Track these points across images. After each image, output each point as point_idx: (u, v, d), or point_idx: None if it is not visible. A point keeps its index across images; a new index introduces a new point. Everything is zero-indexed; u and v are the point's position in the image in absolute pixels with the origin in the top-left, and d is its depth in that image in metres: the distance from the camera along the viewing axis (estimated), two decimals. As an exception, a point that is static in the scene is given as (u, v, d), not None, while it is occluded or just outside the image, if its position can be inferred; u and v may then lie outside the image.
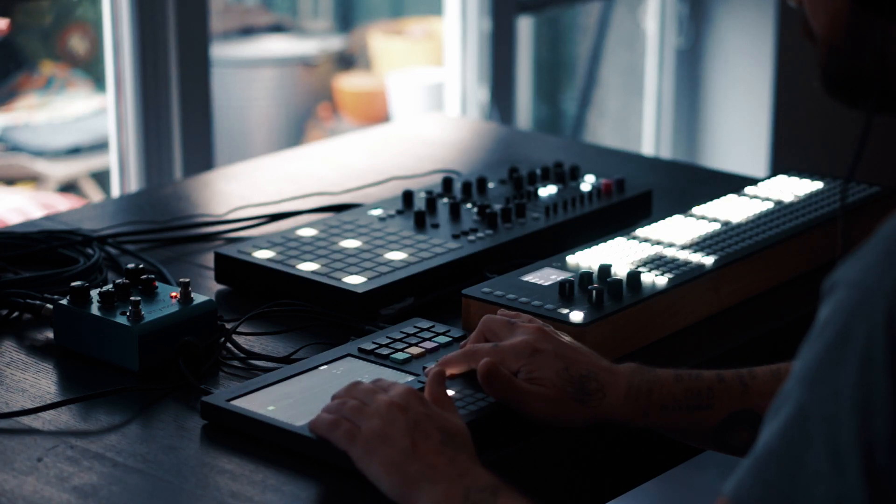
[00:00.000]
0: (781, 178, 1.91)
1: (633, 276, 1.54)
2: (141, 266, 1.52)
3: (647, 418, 1.34)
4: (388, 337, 1.46)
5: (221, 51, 4.32)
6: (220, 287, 1.68)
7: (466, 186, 1.85)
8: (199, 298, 1.49)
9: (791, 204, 1.81)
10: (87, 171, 3.68)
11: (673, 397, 1.34)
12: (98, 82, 3.67)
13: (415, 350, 1.43)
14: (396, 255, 1.67)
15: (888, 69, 1.05)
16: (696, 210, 1.78)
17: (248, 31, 4.52)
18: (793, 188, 1.86)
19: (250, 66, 4.41)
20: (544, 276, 1.55)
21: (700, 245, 1.66)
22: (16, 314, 1.58)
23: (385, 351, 1.43)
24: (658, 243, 1.67)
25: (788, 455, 0.94)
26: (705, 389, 1.35)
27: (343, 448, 1.23)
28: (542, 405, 1.32)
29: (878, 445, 0.91)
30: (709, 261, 1.62)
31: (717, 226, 1.73)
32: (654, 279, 1.56)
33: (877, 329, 0.91)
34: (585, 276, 1.53)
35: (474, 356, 1.35)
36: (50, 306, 1.53)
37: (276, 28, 4.62)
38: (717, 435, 1.35)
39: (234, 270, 1.67)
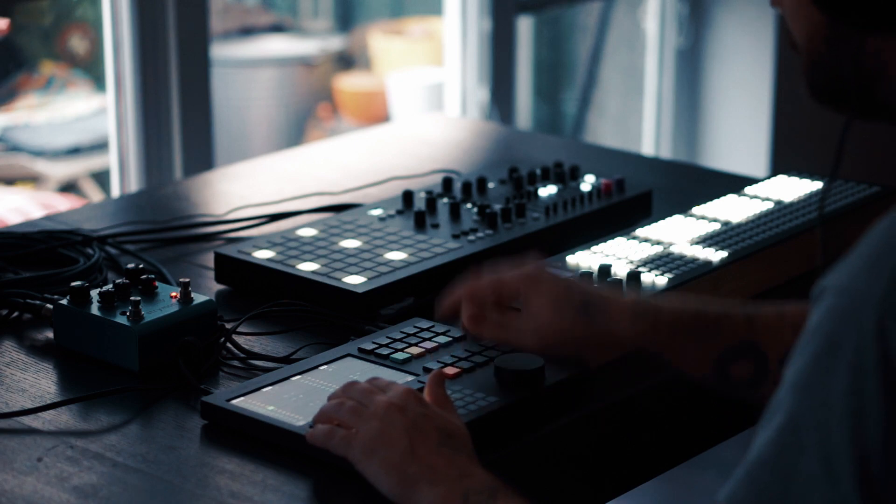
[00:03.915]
0: (781, 178, 1.91)
1: (633, 276, 1.54)
2: (141, 266, 1.52)
3: (656, 336, 1.33)
4: (388, 337, 1.46)
5: (221, 51, 4.32)
6: (220, 287, 1.68)
7: (466, 186, 1.85)
8: (199, 298, 1.49)
9: (791, 204, 1.81)
10: (87, 171, 3.68)
11: (682, 319, 1.34)
12: (98, 82, 3.67)
13: (415, 350, 1.43)
14: (396, 255, 1.67)
15: (866, 78, 1.06)
16: (696, 210, 1.78)
17: (248, 31, 4.52)
18: (793, 188, 1.86)
19: (250, 66, 4.41)
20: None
21: (700, 245, 1.66)
22: (16, 314, 1.58)
23: (385, 351, 1.43)
24: (658, 243, 1.67)
25: (781, 463, 0.94)
26: (712, 318, 1.35)
27: (342, 454, 1.23)
28: (545, 327, 1.34)
29: (871, 453, 0.91)
30: (709, 261, 1.62)
31: (717, 226, 1.73)
32: (654, 279, 1.56)
33: (867, 336, 0.91)
34: (585, 276, 1.53)
35: (476, 288, 1.38)
36: (50, 306, 1.53)
37: (276, 28, 4.62)
38: (719, 365, 1.34)
39: (234, 270, 1.67)
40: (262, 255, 1.66)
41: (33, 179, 3.64)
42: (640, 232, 1.70)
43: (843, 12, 1.03)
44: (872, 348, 0.91)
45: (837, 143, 1.11)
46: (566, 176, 1.90)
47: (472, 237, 1.72)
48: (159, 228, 1.84)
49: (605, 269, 1.55)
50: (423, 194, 1.84)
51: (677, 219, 1.74)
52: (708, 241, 1.68)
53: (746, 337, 1.35)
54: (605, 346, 1.34)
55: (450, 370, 1.38)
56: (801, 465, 0.93)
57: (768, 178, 1.92)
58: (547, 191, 1.86)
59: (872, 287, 0.91)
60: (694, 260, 1.62)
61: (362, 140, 2.30)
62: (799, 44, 1.11)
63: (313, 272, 1.62)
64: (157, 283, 1.50)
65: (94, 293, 1.49)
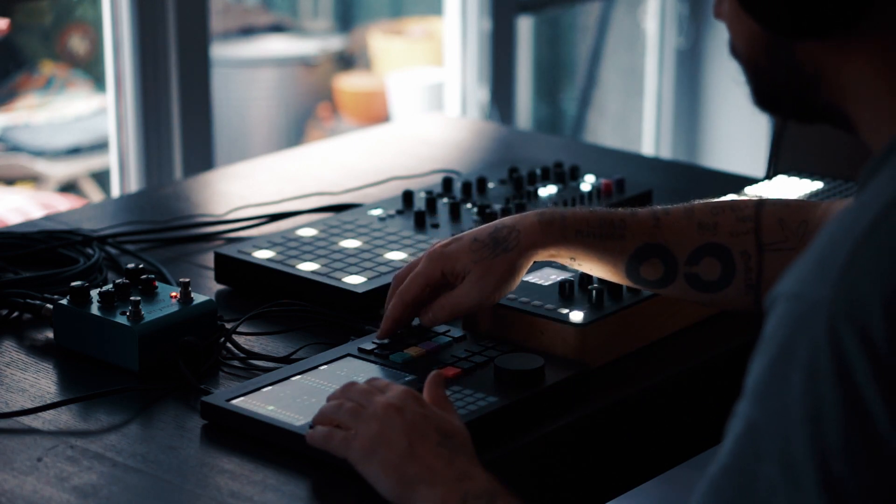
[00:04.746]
0: (781, 178, 1.91)
1: (633, 276, 1.54)
2: (141, 266, 1.52)
3: (565, 243, 1.41)
4: (387, 337, 1.46)
5: (221, 51, 4.32)
6: (220, 287, 1.68)
7: (466, 186, 1.85)
8: (199, 298, 1.49)
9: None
10: (87, 171, 3.68)
11: (587, 223, 1.42)
12: (98, 82, 3.67)
13: (415, 350, 1.43)
14: (396, 255, 1.67)
15: (805, 84, 1.08)
16: (696, 210, 1.77)
17: (248, 31, 4.52)
18: (793, 188, 1.86)
19: (250, 66, 4.41)
20: (544, 276, 1.55)
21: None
22: (16, 314, 1.58)
23: (385, 351, 1.43)
24: (658, 243, 1.66)
25: (743, 471, 0.95)
26: (618, 220, 1.43)
27: (342, 455, 1.23)
28: (476, 289, 1.41)
29: (832, 455, 0.91)
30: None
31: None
32: (654, 279, 1.55)
33: (819, 340, 0.91)
34: (585, 276, 1.53)
35: (402, 296, 1.45)
36: (50, 306, 1.53)
37: (276, 28, 4.62)
38: (630, 266, 1.43)
39: (234, 270, 1.67)
40: (262, 255, 1.67)
41: (33, 179, 3.64)
42: (640, 232, 1.69)
43: (775, 21, 1.05)
44: (826, 351, 0.91)
45: (772, 147, 1.13)
46: (566, 176, 1.90)
47: (472, 237, 1.72)
48: (159, 228, 1.84)
49: (605, 269, 1.55)
50: (423, 194, 1.84)
51: (677, 219, 1.74)
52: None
53: (653, 238, 1.43)
54: (525, 260, 1.42)
55: (449, 370, 1.38)
56: (761, 472, 0.93)
57: (768, 178, 1.92)
58: (547, 191, 1.86)
59: (821, 291, 0.92)
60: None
61: (362, 140, 2.30)
62: (740, 53, 1.13)
63: (313, 272, 1.62)
64: (157, 283, 1.50)
65: (94, 293, 1.49)
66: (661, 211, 1.45)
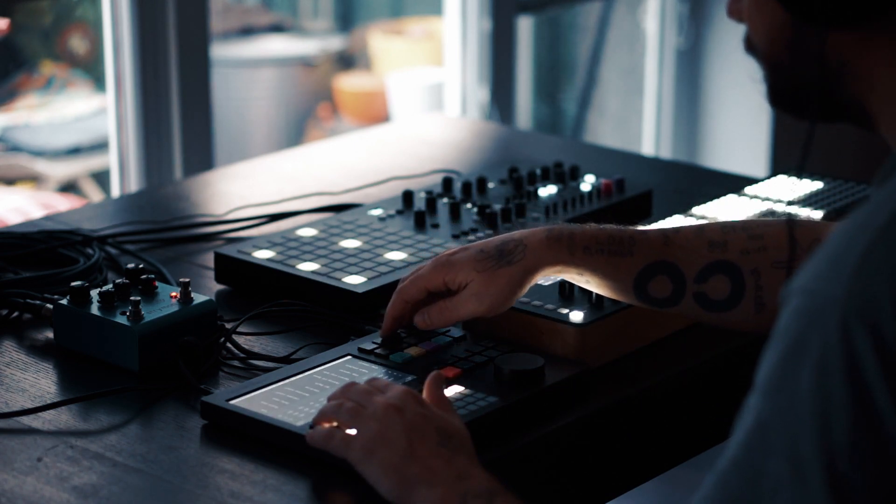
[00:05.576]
0: (781, 178, 1.91)
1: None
2: (141, 266, 1.52)
3: (573, 259, 1.40)
4: (388, 334, 1.46)
5: (221, 51, 4.32)
6: (220, 287, 1.68)
7: (466, 186, 1.85)
8: (199, 298, 1.49)
9: (791, 204, 1.81)
10: (87, 171, 3.68)
11: (595, 240, 1.40)
12: (98, 82, 3.67)
13: (415, 350, 1.43)
14: (396, 255, 1.67)
15: (828, 77, 1.06)
16: (696, 210, 1.78)
17: (248, 31, 4.52)
18: (793, 188, 1.87)
19: (250, 66, 4.41)
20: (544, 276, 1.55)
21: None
22: (16, 314, 1.58)
23: (385, 351, 1.43)
24: (658, 243, 1.66)
25: (750, 465, 0.95)
26: (627, 238, 1.41)
27: (341, 455, 1.23)
28: (474, 299, 1.40)
29: (838, 452, 0.91)
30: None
31: (717, 226, 1.72)
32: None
33: (831, 336, 0.91)
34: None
35: (401, 294, 1.44)
36: (50, 306, 1.53)
37: (276, 28, 4.62)
38: (638, 284, 1.41)
39: (234, 270, 1.67)
40: (262, 255, 1.67)
41: (33, 179, 3.64)
42: (640, 232, 1.69)
43: (807, 8, 1.03)
44: (837, 348, 0.91)
45: (803, 147, 1.11)
46: (566, 176, 1.90)
47: (472, 237, 1.72)
48: (159, 228, 1.84)
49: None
50: (423, 194, 1.84)
51: (677, 219, 1.74)
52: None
53: (662, 255, 1.41)
54: (531, 274, 1.41)
55: (449, 370, 1.38)
56: (768, 467, 0.93)
57: (768, 178, 1.92)
58: (547, 191, 1.86)
59: (835, 287, 0.92)
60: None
61: (362, 140, 2.30)
62: (759, 48, 1.11)
63: (313, 272, 1.62)
64: (157, 283, 1.50)
65: (94, 293, 1.49)
66: (670, 230, 1.43)
